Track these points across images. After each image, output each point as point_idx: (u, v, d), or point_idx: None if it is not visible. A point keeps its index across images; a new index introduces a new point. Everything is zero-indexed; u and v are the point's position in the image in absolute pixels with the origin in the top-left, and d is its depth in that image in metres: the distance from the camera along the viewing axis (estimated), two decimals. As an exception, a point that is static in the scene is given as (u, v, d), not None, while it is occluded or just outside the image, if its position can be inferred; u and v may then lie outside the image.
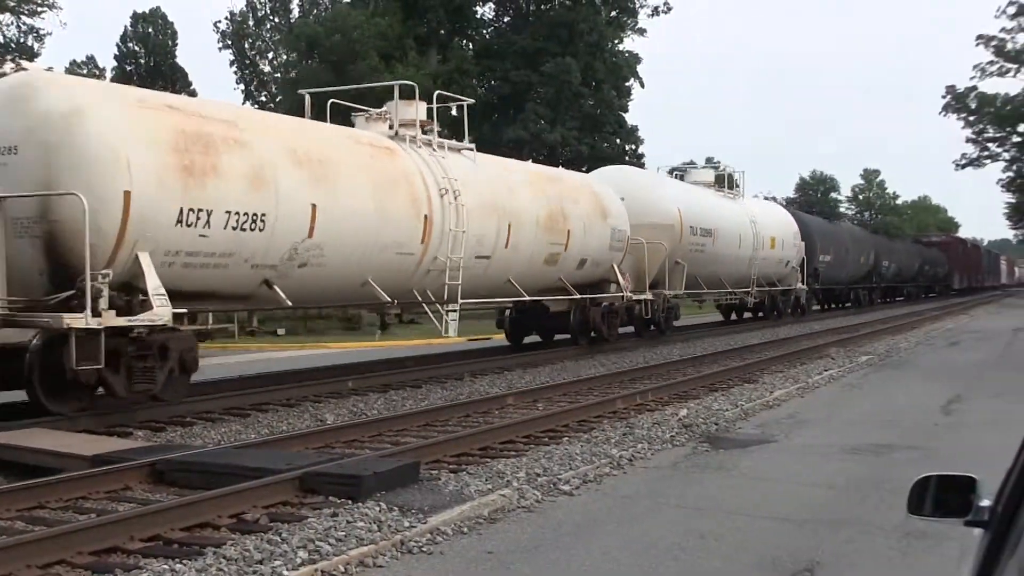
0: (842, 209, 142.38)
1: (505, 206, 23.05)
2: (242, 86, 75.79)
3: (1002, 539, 3.07)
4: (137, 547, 8.16)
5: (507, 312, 28.40)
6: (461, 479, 10.49)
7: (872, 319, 46.25)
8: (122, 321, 13.94)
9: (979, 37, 67.41)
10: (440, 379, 20.85)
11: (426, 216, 20.11)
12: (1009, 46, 66.55)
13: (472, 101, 27.98)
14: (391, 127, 21.35)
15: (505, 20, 63.42)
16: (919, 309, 59.27)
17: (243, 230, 15.79)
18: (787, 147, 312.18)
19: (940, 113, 72.20)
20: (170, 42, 76.92)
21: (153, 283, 14.26)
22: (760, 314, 44.76)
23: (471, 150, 23.44)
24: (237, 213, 15.64)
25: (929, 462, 11.14)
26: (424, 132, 21.79)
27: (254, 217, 15.95)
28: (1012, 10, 64.39)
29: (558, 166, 34.71)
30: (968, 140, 73.71)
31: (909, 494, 3.84)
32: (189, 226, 14.92)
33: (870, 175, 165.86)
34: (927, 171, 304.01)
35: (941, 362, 25.13)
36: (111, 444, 12.45)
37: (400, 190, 19.72)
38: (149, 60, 75.15)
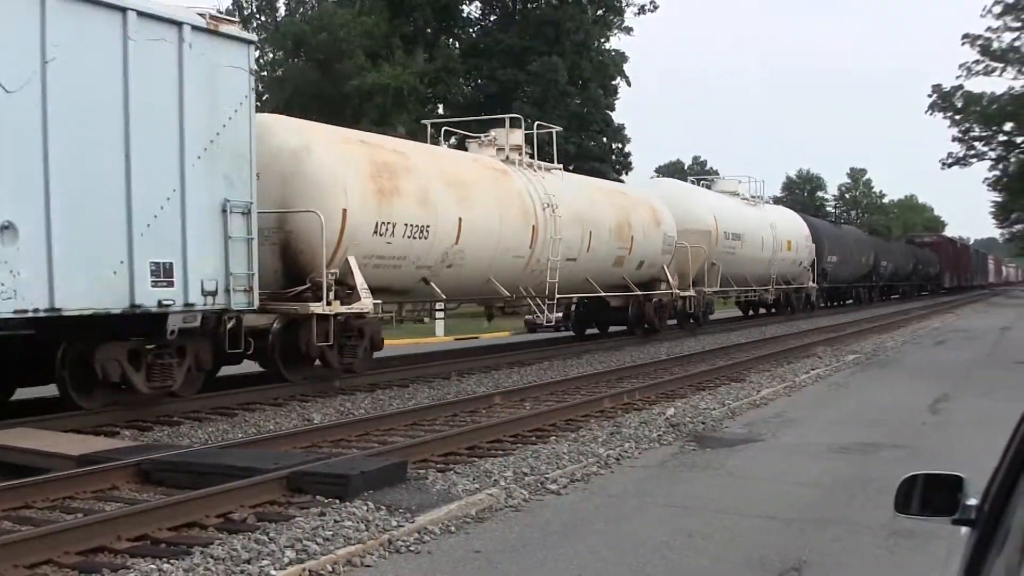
0: (828, 208, 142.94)
1: (587, 217, 27.41)
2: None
3: (989, 538, 3.08)
4: (124, 547, 8.14)
5: (573, 307, 32.17)
6: (449, 478, 10.49)
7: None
8: (344, 309, 18.31)
9: (965, 36, 67.74)
10: (427, 378, 20.84)
11: (533, 226, 24.55)
12: (995, 45, 66.90)
13: (560, 129, 31.93)
14: (500, 150, 26.07)
15: (492, 19, 63.41)
16: (907, 308, 59.43)
17: (413, 238, 20.27)
18: (774, 145, 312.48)
19: (926, 112, 72.60)
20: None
21: (359, 280, 18.68)
22: (774, 310, 48.90)
23: (560, 169, 28.22)
24: (410, 225, 20.10)
25: (916, 461, 11.15)
26: (522, 155, 26.56)
27: (421, 228, 20.45)
28: (998, 9, 64.65)
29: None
30: (954, 139, 74.10)
31: (896, 493, 3.85)
32: (380, 235, 19.34)
33: (857, 174, 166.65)
34: (914, 170, 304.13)
35: (928, 361, 25.19)
36: (98, 444, 12.42)
37: (514, 205, 24.13)
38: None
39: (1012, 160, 75.60)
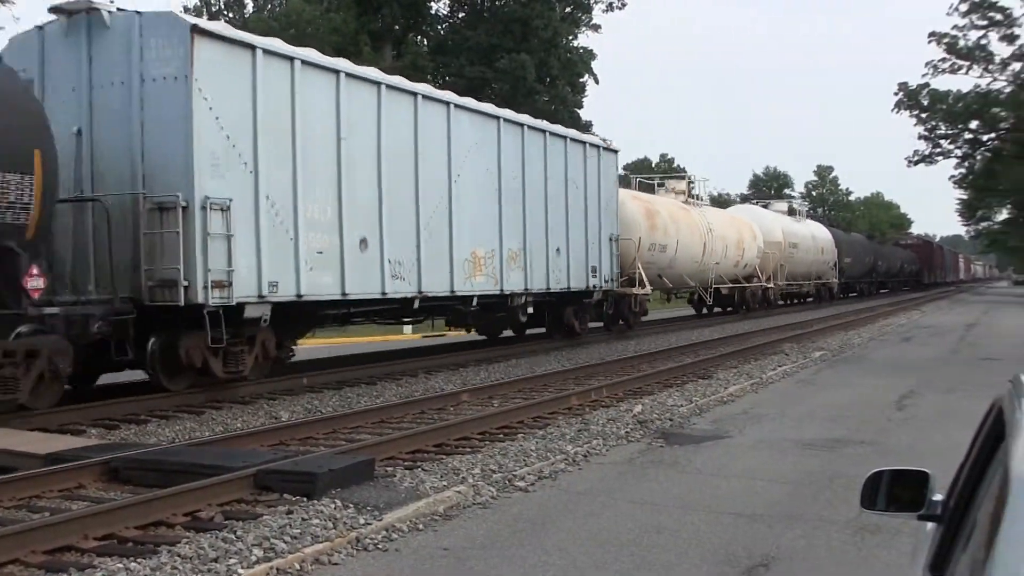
0: (795, 205, 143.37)
1: (723, 235, 44.10)
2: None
3: (955, 533, 3.10)
4: (91, 546, 8.11)
5: (695, 296, 45.88)
6: (416, 476, 10.48)
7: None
8: (639, 291, 33.92)
9: (931, 34, 68.09)
10: (395, 376, 20.83)
11: (704, 243, 41.33)
12: (961, 43, 67.24)
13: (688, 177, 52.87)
14: (679, 194, 44.51)
15: (460, 16, 63.28)
16: (884, 303, 59.80)
17: (660, 252, 36.54)
18: (741, 143, 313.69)
19: (892, 110, 72.91)
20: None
21: (641, 276, 33.87)
22: (810, 299, 64.27)
23: (707, 204, 48.00)
24: (661, 245, 36.61)
25: (882, 457, 11.22)
26: (688, 196, 45.21)
27: (663, 247, 36.77)
28: (964, 7, 65.01)
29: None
30: (920, 137, 74.42)
31: (862, 489, 3.87)
32: (650, 251, 35.54)
33: (823, 171, 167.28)
34: (880, 168, 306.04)
35: (894, 358, 25.32)
36: (65, 442, 12.35)
37: (695, 230, 40.68)
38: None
39: (978, 158, 76.14)
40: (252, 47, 17.42)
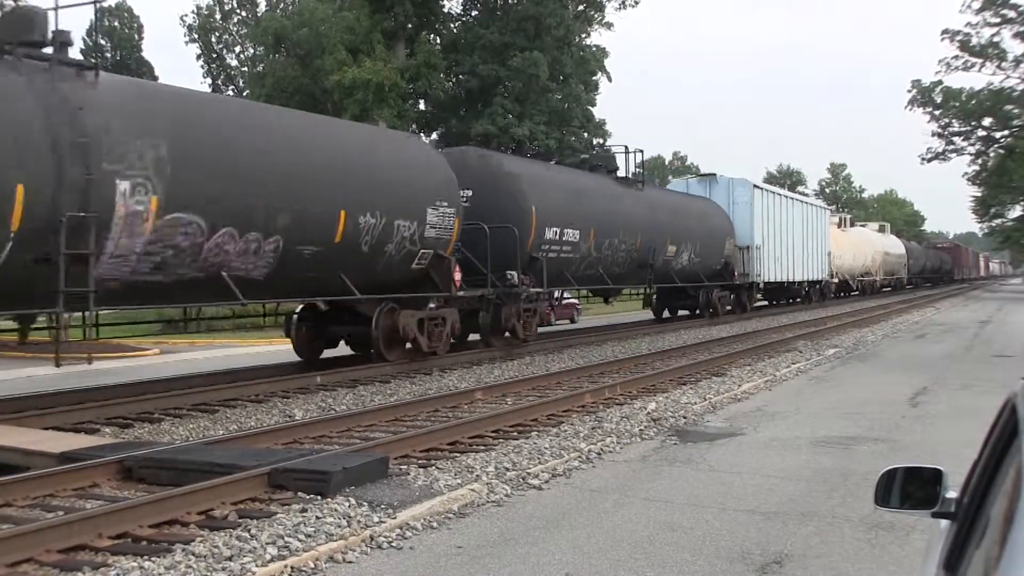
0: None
1: (858, 248, 70.08)
2: (209, 80, 75.56)
3: (968, 530, 3.10)
4: (105, 545, 8.12)
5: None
6: (430, 474, 10.49)
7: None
8: (833, 280, 62.29)
9: (944, 32, 67.94)
10: (408, 374, 20.84)
11: (853, 253, 69.05)
12: (974, 41, 67.05)
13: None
14: (838, 224, 71.26)
15: (472, 14, 63.19)
16: (887, 302, 59.69)
17: (838, 259, 63.28)
18: (754, 140, 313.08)
19: (906, 107, 72.85)
20: (136, 36, 76.44)
21: (832, 272, 60.65)
22: (886, 289, 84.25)
23: (848, 228, 77.28)
24: (838, 254, 63.40)
25: (896, 454, 11.21)
26: (843, 225, 73.90)
27: (839, 255, 63.16)
28: (977, 4, 64.84)
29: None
30: (934, 134, 74.29)
31: (876, 486, 3.86)
32: (838, 258, 63.39)
33: (837, 169, 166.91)
34: (893, 165, 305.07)
35: (908, 355, 25.28)
36: (79, 441, 12.39)
37: (850, 246, 68.23)
38: (116, 54, 74.75)
39: (991, 155, 75.95)
40: (762, 189, 46.55)
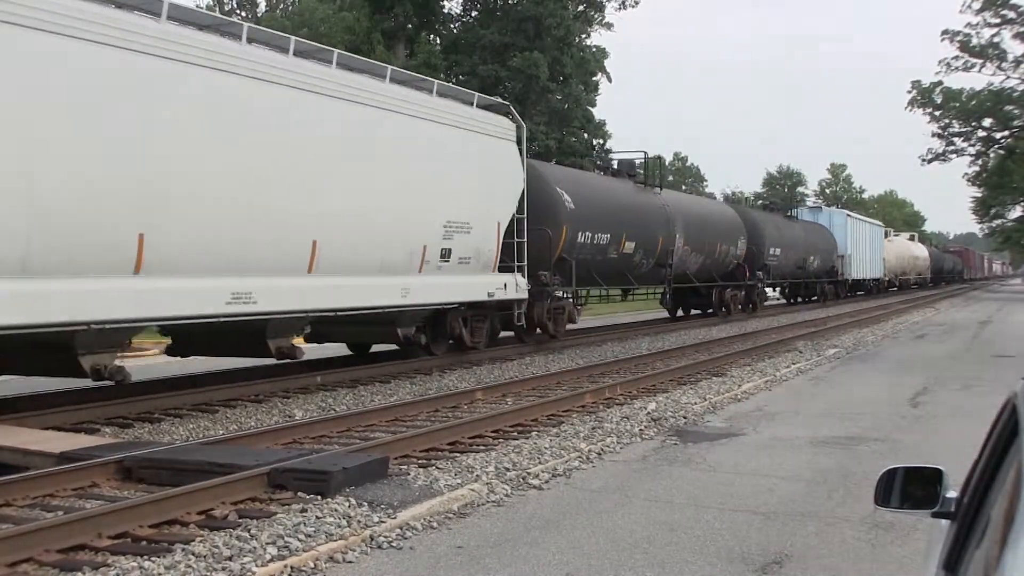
0: (809, 203, 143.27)
1: (898, 253, 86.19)
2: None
3: (968, 530, 3.10)
4: (105, 544, 8.11)
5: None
6: (430, 474, 10.48)
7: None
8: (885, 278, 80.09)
9: (944, 32, 67.99)
10: (408, 374, 20.83)
11: (894, 257, 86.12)
12: (974, 41, 67.11)
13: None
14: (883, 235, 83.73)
15: (472, 14, 63.19)
16: (891, 301, 59.73)
17: (893, 262, 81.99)
18: (754, 141, 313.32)
19: (906, 108, 72.88)
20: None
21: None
22: (930, 284, 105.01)
23: (902, 236, 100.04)
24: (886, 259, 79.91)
25: (896, 454, 11.22)
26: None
27: (886, 260, 79.93)
28: (977, 5, 64.86)
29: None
30: (934, 135, 74.34)
31: (876, 486, 3.87)
32: (897, 261, 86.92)
33: (837, 169, 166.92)
34: (893, 166, 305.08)
35: (908, 355, 25.28)
36: (78, 440, 12.37)
37: (893, 253, 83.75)
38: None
39: (991, 155, 76.00)
40: (848, 215, 67.62)
